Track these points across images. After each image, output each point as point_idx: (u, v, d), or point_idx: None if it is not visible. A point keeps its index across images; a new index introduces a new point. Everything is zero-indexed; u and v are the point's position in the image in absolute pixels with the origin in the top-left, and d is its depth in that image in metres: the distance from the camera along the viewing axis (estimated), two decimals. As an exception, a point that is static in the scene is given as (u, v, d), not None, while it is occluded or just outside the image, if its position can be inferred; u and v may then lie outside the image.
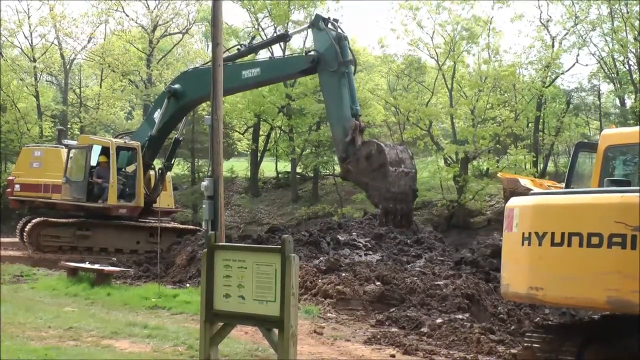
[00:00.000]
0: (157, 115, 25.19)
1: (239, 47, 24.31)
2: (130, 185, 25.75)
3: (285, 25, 43.91)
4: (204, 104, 30.72)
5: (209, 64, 23.34)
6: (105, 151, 25.87)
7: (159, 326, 12.45)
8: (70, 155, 26.16)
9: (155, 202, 25.77)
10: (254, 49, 24.00)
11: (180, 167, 48.21)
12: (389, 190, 20.48)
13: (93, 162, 25.79)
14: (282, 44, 44.61)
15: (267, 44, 25.22)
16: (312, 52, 21.70)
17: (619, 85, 41.20)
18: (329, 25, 21.66)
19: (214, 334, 7.64)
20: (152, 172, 26.62)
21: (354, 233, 24.20)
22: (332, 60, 20.86)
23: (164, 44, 49.96)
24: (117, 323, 12.70)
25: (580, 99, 45.91)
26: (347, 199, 41.20)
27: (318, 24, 21.49)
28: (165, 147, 28.20)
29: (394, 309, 14.62)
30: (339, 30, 21.77)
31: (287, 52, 44.75)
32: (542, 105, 41.47)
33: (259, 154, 47.98)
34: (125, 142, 26.31)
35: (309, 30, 43.81)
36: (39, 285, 18.47)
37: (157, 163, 27.57)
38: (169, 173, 27.74)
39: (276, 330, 7.20)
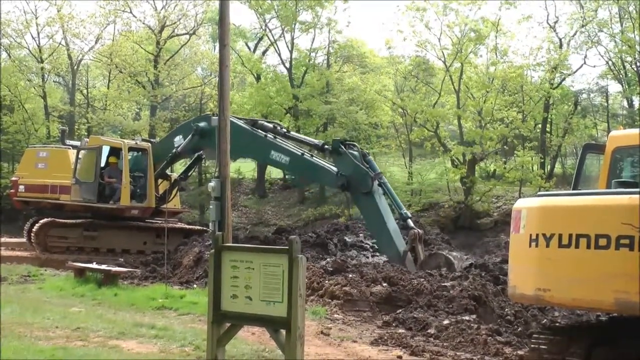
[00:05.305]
0: (177, 139, 25.03)
1: (278, 125, 23.97)
2: (141, 186, 25.76)
3: (293, 26, 43.95)
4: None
5: (239, 121, 23.30)
6: (114, 152, 25.91)
7: (166, 327, 12.46)
8: (80, 156, 26.17)
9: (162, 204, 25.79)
10: (288, 137, 23.64)
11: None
12: None
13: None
14: (289, 46, 44.83)
15: (303, 142, 24.60)
16: (342, 175, 20.80)
17: (627, 87, 41.10)
18: (347, 148, 21.10)
19: (221, 335, 7.65)
20: (165, 182, 26.50)
21: (360, 234, 24.26)
22: (362, 181, 20.25)
23: (171, 45, 50.01)
24: (124, 323, 12.71)
25: (588, 100, 45.81)
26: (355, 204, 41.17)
27: (337, 149, 21.02)
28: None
29: (400, 310, 14.61)
30: (359, 149, 21.40)
31: (294, 54, 44.88)
32: (550, 107, 41.40)
33: (266, 155, 47.89)
34: (136, 143, 26.34)
35: (315, 30, 44.46)
36: (46, 285, 18.50)
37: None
38: (174, 174, 27.68)
39: (283, 331, 7.21)
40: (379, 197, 20.33)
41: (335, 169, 21.27)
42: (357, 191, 20.76)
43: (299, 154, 22.26)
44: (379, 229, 20.27)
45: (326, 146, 22.06)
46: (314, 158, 22.57)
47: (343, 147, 20.94)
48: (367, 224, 22.50)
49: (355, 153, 20.84)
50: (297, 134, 26.05)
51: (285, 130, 23.86)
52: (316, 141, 23.80)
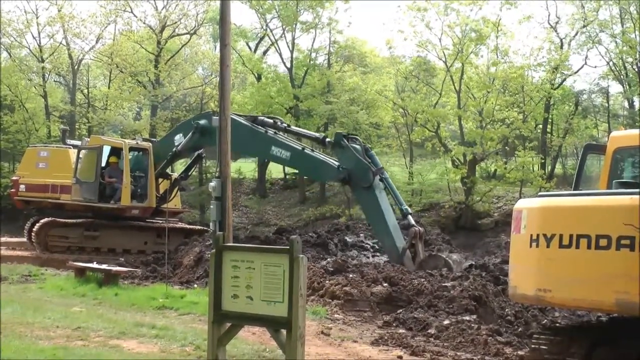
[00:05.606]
0: (177, 138, 25.03)
1: (278, 120, 23.92)
2: (141, 185, 25.76)
3: (293, 26, 43.97)
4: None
5: (240, 118, 23.26)
6: (115, 152, 25.89)
7: (166, 326, 12.46)
8: (81, 155, 26.16)
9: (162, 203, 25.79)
10: (289, 131, 23.66)
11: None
12: None
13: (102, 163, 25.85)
14: (290, 46, 44.85)
15: (304, 135, 24.69)
16: (343, 169, 20.74)
17: (628, 87, 41.11)
18: (350, 141, 20.97)
19: (222, 335, 7.65)
20: (166, 181, 26.49)
21: (361, 234, 24.28)
22: (364, 175, 20.18)
23: (171, 45, 50.02)
24: (124, 323, 12.71)
25: (588, 100, 45.83)
26: (355, 200, 41.19)
27: (340, 142, 20.83)
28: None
29: (401, 310, 14.62)
30: (361, 143, 21.32)
31: (295, 53, 44.89)
32: (551, 107, 41.40)
33: (267, 155, 47.87)
34: (137, 143, 26.34)
35: (316, 31, 44.48)
36: (47, 285, 18.50)
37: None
38: (175, 174, 27.69)
39: (284, 331, 7.20)
40: (380, 192, 20.30)
41: (336, 163, 21.26)
42: (357, 185, 20.71)
43: (300, 148, 22.26)
44: (378, 224, 20.26)
45: (327, 139, 22.07)
46: (315, 152, 22.57)
47: (345, 140, 20.90)
48: (367, 218, 22.51)
49: (358, 147, 20.80)
50: (298, 128, 26.10)
51: (285, 125, 23.83)
52: (317, 134, 23.82)
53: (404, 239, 19.54)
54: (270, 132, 22.82)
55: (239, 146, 21.56)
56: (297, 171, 44.57)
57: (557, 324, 13.14)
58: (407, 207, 21.00)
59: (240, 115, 24.14)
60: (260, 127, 22.89)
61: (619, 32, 38.72)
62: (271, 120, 23.52)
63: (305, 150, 22.24)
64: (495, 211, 37.16)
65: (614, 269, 7.54)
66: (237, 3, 44.61)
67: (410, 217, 20.32)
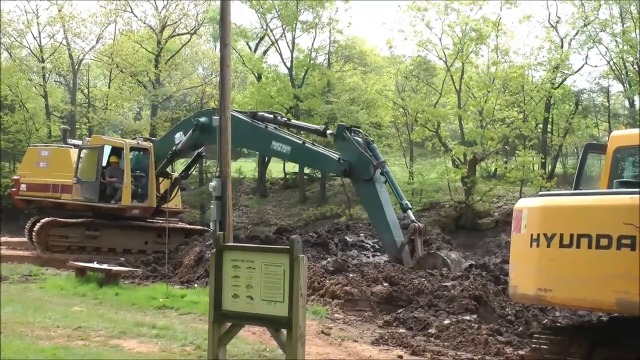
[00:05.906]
0: (178, 136, 25.03)
1: (278, 115, 23.92)
2: (142, 185, 25.75)
3: (294, 26, 43.96)
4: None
5: (240, 114, 23.25)
6: (116, 151, 25.89)
7: (167, 326, 12.46)
8: (81, 155, 26.15)
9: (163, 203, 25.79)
10: (289, 125, 23.72)
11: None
12: None
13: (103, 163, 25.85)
14: (290, 45, 44.86)
15: (304, 128, 24.81)
16: (344, 161, 20.72)
17: (628, 86, 41.10)
18: (352, 134, 20.91)
19: (222, 335, 7.65)
20: (166, 180, 26.49)
21: (361, 234, 24.27)
22: (365, 168, 20.18)
23: (172, 45, 50.02)
24: (125, 323, 12.72)
25: (589, 100, 45.82)
26: (355, 199, 41.17)
27: (342, 134, 20.81)
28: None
29: (401, 310, 14.61)
30: (363, 136, 21.30)
31: (295, 53, 44.89)
32: (551, 107, 41.39)
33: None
34: (138, 143, 26.33)
35: (316, 31, 44.47)
36: (47, 284, 18.50)
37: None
38: (175, 174, 27.69)
39: (284, 331, 7.20)
40: (380, 185, 20.32)
41: (336, 155, 21.28)
42: (358, 178, 20.75)
43: (300, 142, 22.28)
44: (377, 217, 20.28)
45: (328, 131, 22.11)
46: (315, 145, 22.59)
47: (347, 132, 20.90)
48: (366, 211, 22.54)
49: (360, 140, 20.80)
50: (297, 122, 26.11)
51: (285, 119, 23.83)
52: (317, 127, 23.85)
53: (403, 235, 19.55)
54: (271, 127, 22.85)
55: (239, 142, 21.54)
56: (297, 167, 44.80)
57: (558, 324, 13.13)
58: (407, 202, 21.01)
59: (240, 112, 24.13)
60: (260, 122, 22.90)
61: (620, 31, 38.71)
62: (271, 116, 23.54)
63: (306, 144, 22.28)
64: (496, 211, 37.16)
65: (614, 268, 7.54)
66: (237, 3, 44.74)
67: (410, 212, 20.34)
